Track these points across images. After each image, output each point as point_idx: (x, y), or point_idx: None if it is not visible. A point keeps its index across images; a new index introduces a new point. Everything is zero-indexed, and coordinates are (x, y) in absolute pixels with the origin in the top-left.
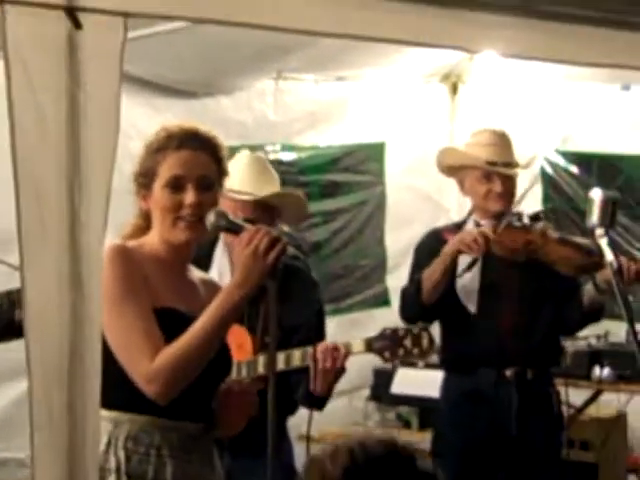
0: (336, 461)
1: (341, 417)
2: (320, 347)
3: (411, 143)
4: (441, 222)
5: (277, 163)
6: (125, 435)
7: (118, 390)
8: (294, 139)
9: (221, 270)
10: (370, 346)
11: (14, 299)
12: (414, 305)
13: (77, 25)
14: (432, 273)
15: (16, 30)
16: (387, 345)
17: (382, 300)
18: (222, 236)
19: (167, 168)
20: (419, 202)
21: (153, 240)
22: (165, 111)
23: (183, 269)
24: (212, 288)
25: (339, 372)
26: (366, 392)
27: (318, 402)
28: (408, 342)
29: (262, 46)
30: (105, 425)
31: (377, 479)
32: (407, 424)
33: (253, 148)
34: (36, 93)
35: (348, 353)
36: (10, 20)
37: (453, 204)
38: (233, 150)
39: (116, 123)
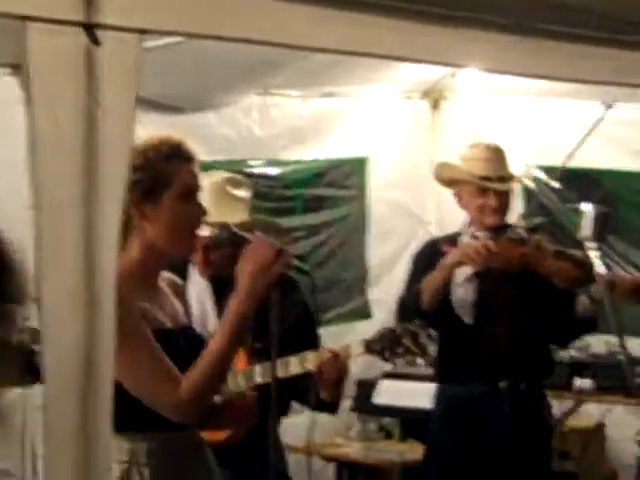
0: None
1: (323, 428)
2: (320, 358)
3: (393, 158)
4: (420, 235)
5: (262, 177)
6: (145, 452)
7: (129, 413)
8: (280, 154)
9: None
10: (369, 347)
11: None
12: (413, 312)
13: (95, 42)
14: (432, 282)
15: (36, 45)
16: (386, 345)
17: (363, 312)
18: None
19: (181, 179)
20: (399, 216)
21: (132, 253)
22: (149, 125)
23: (158, 278)
24: (174, 287)
25: (343, 377)
26: (348, 403)
27: (330, 407)
28: (407, 340)
29: (250, 62)
30: (121, 445)
31: None
32: (389, 435)
33: (237, 163)
34: (55, 108)
35: (348, 356)
36: (30, 35)
37: (433, 218)
38: (221, 165)
39: (130, 139)
